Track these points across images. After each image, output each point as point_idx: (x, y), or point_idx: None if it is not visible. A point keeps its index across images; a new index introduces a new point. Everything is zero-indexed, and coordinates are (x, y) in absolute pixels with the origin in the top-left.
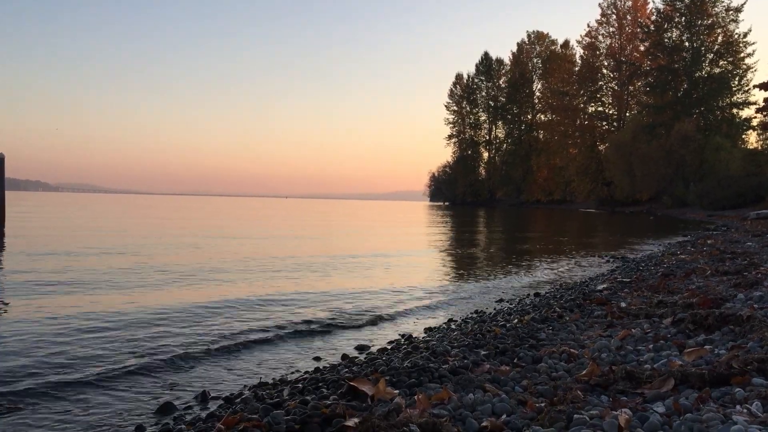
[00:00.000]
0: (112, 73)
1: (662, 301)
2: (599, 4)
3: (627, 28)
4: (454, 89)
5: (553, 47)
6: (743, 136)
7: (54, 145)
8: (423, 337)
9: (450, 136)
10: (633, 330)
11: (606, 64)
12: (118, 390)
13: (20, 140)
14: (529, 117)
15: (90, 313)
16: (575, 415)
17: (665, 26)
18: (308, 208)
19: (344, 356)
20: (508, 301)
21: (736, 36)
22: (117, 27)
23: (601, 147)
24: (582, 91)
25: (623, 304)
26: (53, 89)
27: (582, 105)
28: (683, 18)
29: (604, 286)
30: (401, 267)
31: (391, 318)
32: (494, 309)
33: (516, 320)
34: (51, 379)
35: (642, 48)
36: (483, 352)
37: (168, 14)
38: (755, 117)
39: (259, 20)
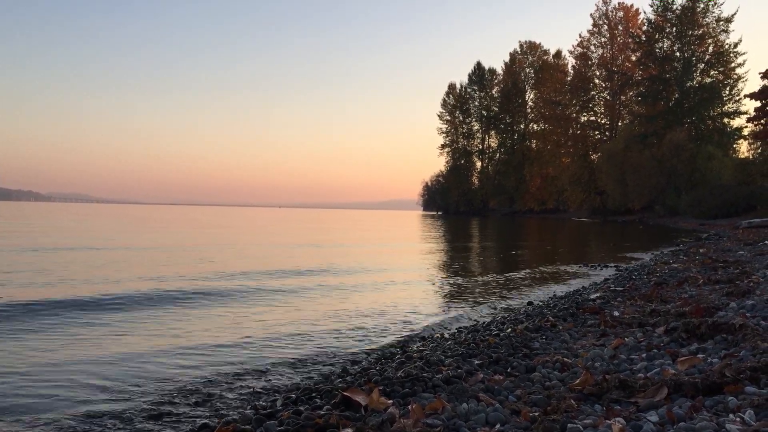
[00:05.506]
0: (107, 81)
1: (655, 309)
2: (591, 14)
3: (618, 38)
4: (447, 99)
5: (545, 57)
6: (734, 146)
7: (46, 155)
8: (416, 347)
9: (443, 146)
10: (626, 339)
11: (598, 73)
12: (117, 398)
13: (12, 149)
14: (521, 126)
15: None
16: (569, 425)
17: (656, 36)
18: (302, 218)
19: (337, 366)
20: (501, 311)
21: (726, 46)
22: (111, 33)
23: (594, 156)
24: (574, 101)
25: (616, 313)
26: (47, 98)
27: (574, 114)
28: (674, 28)
29: (597, 295)
30: (394, 276)
31: (384, 328)
32: (488, 318)
33: (509, 329)
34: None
35: (633, 58)
36: (477, 362)
37: (162, 23)
38: (746, 126)
39: (251, 33)
